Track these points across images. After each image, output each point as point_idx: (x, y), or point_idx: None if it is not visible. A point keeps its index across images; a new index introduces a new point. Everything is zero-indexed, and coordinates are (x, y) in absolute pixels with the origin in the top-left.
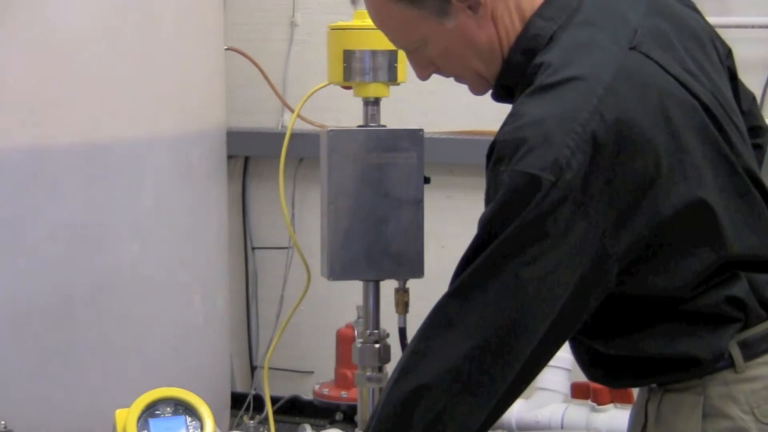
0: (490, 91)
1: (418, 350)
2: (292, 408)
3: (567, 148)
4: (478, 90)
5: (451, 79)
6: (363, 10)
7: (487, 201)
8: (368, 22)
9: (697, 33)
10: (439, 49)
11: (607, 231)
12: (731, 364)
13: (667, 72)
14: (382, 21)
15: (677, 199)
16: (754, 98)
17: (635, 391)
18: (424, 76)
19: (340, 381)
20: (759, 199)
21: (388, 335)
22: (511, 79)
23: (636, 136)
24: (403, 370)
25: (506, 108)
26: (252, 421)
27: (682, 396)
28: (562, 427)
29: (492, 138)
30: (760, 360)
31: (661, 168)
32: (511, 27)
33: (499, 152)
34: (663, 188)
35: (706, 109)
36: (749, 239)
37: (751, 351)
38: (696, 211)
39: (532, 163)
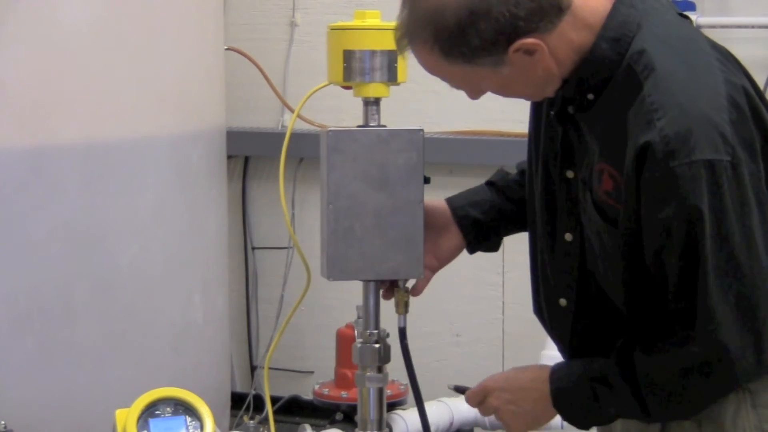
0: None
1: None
2: (292, 408)
3: (727, 123)
4: (532, 100)
5: None
6: (363, 10)
7: (657, 203)
8: (368, 22)
9: None
10: (496, 88)
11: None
12: None
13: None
14: (435, 73)
15: None
16: None
17: None
18: (475, 98)
19: (340, 381)
20: None
21: (388, 335)
22: (595, 69)
23: (753, 99)
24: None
25: (505, 108)
26: (252, 421)
27: None
28: (562, 428)
29: (492, 138)
30: None
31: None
32: (571, 48)
33: (665, 148)
34: None
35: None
36: None
37: None
38: None
39: (707, 150)
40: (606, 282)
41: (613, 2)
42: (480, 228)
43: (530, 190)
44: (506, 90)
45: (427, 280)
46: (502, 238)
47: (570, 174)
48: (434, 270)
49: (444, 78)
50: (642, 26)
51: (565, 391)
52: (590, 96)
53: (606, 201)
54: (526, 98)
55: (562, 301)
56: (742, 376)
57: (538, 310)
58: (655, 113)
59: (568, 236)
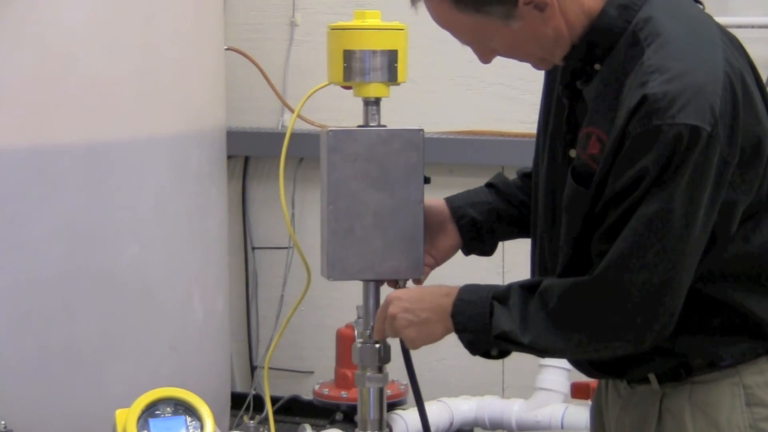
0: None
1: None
2: (292, 408)
3: (718, 96)
4: (541, 67)
5: (452, 79)
6: (363, 10)
7: (633, 155)
8: (368, 22)
9: None
10: (505, 46)
11: (741, 177)
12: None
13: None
14: (448, 25)
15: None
16: None
17: (619, 395)
18: (486, 61)
19: (340, 381)
20: None
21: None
22: (603, 34)
23: (750, 88)
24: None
25: (505, 108)
26: (252, 421)
27: (718, 386)
28: (562, 427)
29: (492, 138)
30: None
31: (760, 117)
32: (581, 10)
33: (654, 105)
34: (762, 136)
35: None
36: None
37: None
38: None
39: (692, 115)
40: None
41: None
42: (478, 229)
43: (536, 175)
44: (515, 49)
45: (425, 277)
46: (497, 242)
47: (573, 153)
48: (431, 267)
49: (454, 31)
50: None
51: (465, 303)
52: (597, 66)
53: (589, 165)
54: (535, 63)
55: None
56: (630, 330)
57: None
58: (651, 75)
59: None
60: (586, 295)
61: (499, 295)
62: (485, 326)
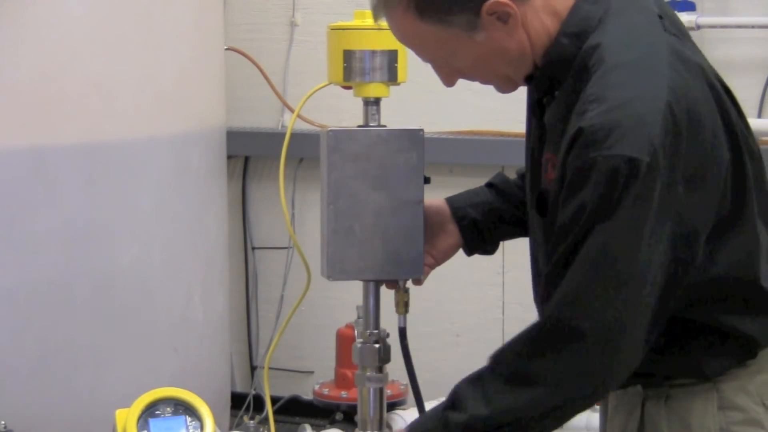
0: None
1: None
2: (292, 408)
3: (657, 127)
4: (505, 90)
5: None
6: (363, 10)
7: (573, 186)
8: (368, 22)
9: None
10: (468, 61)
11: (692, 206)
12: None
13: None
14: (410, 40)
15: (723, 174)
16: None
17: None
18: (450, 83)
19: (340, 381)
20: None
21: (388, 335)
22: (556, 63)
23: (699, 111)
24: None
25: (505, 108)
26: (252, 421)
27: (693, 391)
28: (562, 427)
29: (492, 138)
30: (766, 351)
31: (714, 143)
32: (542, 27)
33: (591, 137)
34: (717, 162)
35: (725, 89)
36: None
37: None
38: (731, 190)
39: (629, 146)
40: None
41: None
42: (479, 229)
43: (526, 179)
44: (479, 65)
45: (425, 277)
46: (499, 241)
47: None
48: (431, 267)
49: (417, 45)
50: (603, 22)
51: (417, 427)
52: (557, 93)
53: (549, 191)
54: (499, 83)
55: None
56: (589, 377)
57: (536, 298)
58: (590, 104)
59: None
60: (538, 346)
61: (448, 403)
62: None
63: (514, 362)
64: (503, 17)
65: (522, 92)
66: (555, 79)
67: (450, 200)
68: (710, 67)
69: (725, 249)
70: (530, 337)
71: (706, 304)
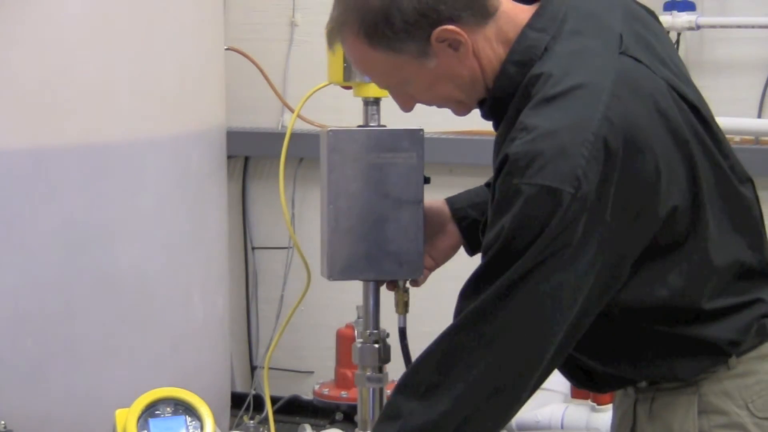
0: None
1: (432, 383)
2: (292, 408)
3: (583, 158)
4: (460, 113)
5: None
6: None
7: (497, 212)
8: None
9: (665, 35)
10: (422, 87)
11: (621, 233)
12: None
13: (655, 74)
14: (362, 66)
15: (671, 202)
16: None
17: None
18: (408, 108)
19: (340, 381)
20: (748, 198)
21: (388, 335)
22: (504, 91)
23: (640, 140)
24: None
25: None
26: (252, 421)
27: (676, 394)
28: (562, 427)
29: (492, 138)
30: (750, 355)
31: (660, 171)
32: (494, 55)
33: (514, 164)
34: (661, 191)
35: (694, 108)
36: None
37: (741, 347)
38: (684, 215)
39: (550, 176)
40: None
41: (524, 25)
42: (480, 229)
43: None
44: (433, 90)
45: (424, 279)
46: None
47: None
48: (431, 269)
49: (370, 71)
50: (550, 49)
51: None
52: (503, 120)
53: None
54: (454, 107)
55: None
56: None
57: None
58: (519, 132)
59: None
60: (440, 363)
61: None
62: None
63: (420, 378)
64: (454, 45)
65: None
66: (502, 106)
67: (450, 201)
68: (678, 83)
69: (673, 269)
70: (432, 352)
71: (663, 320)
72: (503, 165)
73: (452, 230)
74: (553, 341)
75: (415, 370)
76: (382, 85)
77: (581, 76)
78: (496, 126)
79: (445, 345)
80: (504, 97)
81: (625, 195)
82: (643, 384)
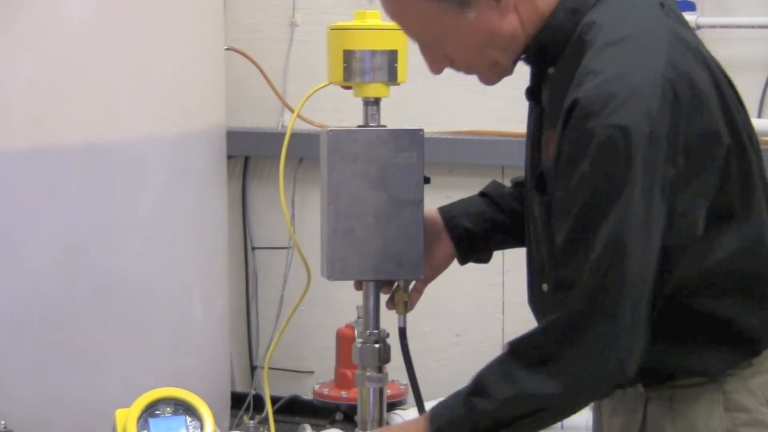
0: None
1: (552, 355)
2: (292, 408)
3: (655, 98)
4: (490, 79)
5: (451, 79)
6: (363, 10)
7: (572, 161)
8: (368, 22)
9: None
10: (458, 43)
11: (688, 183)
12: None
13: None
14: (400, 14)
15: (724, 164)
16: None
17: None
18: (438, 69)
19: (340, 381)
20: None
21: (388, 335)
22: (552, 37)
23: (700, 91)
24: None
25: (505, 108)
26: (252, 421)
27: (698, 392)
28: (562, 428)
29: (492, 138)
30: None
31: (718, 131)
32: (535, 11)
33: (587, 107)
34: (718, 152)
35: (727, 79)
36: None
37: (763, 343)
38: (735, 183)
39: (626, 116)
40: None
41: None
42: (471, 238)
43: (526, 172)
44: (469, 48)
45: (420, 292)
46: (492, 251)
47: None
48: (427, 280)
49: (408, 21)
50: (601, 1)
51: (439, 417)
52: (550, 70)
53: (551, 169)
54: (485, 69)
55: (545, 286)
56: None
57: (530, 300)
58: (586, 76)
59: (543, 224)
60: (567, 330)
61: (472, 389)
62: (469, 427)
63: (541, 347)
64: None
65: (522, 93)
66: (550, 56)
67: (443, 210)
68: (712, 57)
69: (727, 237)
70: (557, 323)
71: (706, 294)
72: (572, 110)
73: (446, 239)
74: (649, 287)
75: (535, 339)
76: (416, 37)
77: (638, 25)
78: (534, 78)
79: (566, 318)
80: (551, 44)
81: (691, 141)
82: (660, 379)
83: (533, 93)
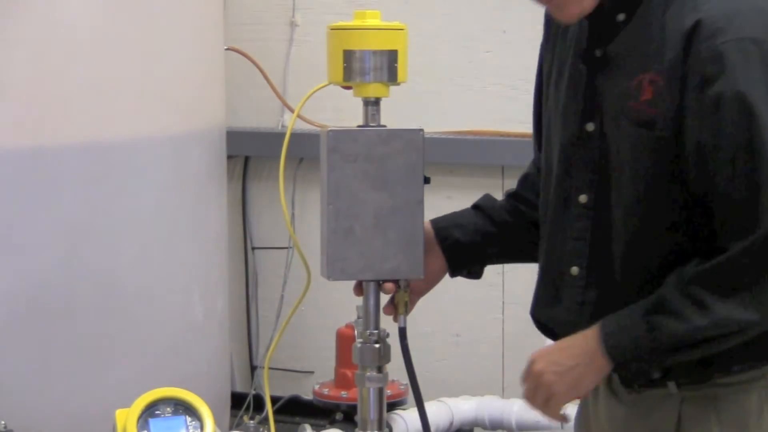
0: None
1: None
2: (292, 408)
3: None
4: (570, 10)
5: (451, 79)
6: (363, 10)
7: (704, 85)
8: (368, 22)
9: None
10: None
11: None
12: None
13: None
14: None
15: None
16: None
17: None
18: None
19: (340, 381)
20: None
21: (388, 335)
22: None
23: None
24: None
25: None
26: (252, 421)
27: (746, 390)
28: (562, 427)
29: (492, 138)
30: None
31: None
32: None
33: (713, 26)
34: None
35: None
36: None
37: None
38: None
39: (756, 29)
40: (628, 229)
41: None
42: (461, 250)
43: (547, 165)
44: None
45: (413, 304)
46: (483, 265)
47: (590, 127)
48: (421, 293)
49: None
50: None
51: (615, 334)
52: (620, 16)
53: (645, 112)
54: (561, 9)
55: (574, 270)
56: None
57: (541, 301)
58: (699, 1)
59: (583, 198)
60: (759, 261)
61: (651, 308)
62: (649, 345)
63: (730, 276)
64: None
65: (522, 93)
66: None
67: (434, 221)
68: None
69: None
70: (747, 251)
71: None
72: (694, 33)
73: (438, 252)
74: None
75: (722, 268)
76: None
77: None
78: (592, 36)
79: (759, 245)
80: None
81: None
82: (700, 377)
83: (587, 57)
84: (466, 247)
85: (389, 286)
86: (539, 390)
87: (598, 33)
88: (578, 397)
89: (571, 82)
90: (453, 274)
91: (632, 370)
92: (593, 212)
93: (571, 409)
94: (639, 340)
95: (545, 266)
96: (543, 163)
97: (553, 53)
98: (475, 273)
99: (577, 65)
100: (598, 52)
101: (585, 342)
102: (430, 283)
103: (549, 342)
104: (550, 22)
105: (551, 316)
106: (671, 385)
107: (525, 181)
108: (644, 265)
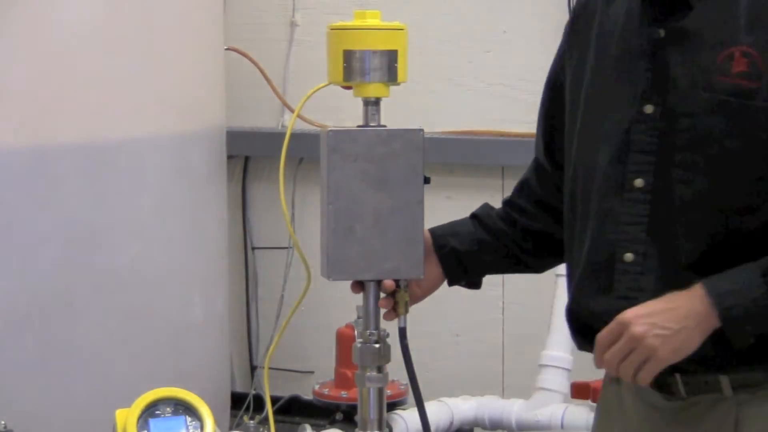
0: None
1: None
2: (292, 408)
3: None
4: None
5: (451, 79)
6: (363, 10)
7: None
8: (368, 22)
9: None
10: None
11: None
12: None
13: None
14: None
15: None
16: None
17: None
18: None
19: (340, 381)
20: None
21: (388, 335)
22: None
23: None
24: None
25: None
26: (252, 421)
27: None
28: (562, 427)
29: (492, 138)
30: None
31: None
32: None
33: None
34: None
35: None
36: None
37: None
38: None
39: None
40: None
41: None
42: (458, 258)
43: (581, 149)
44: None
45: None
46: (482, 275)
47: (649, 109)
48: (417, 300)
49: None
50: None
51: (729, 294)
52: None
53: (740, 86)
54: None
55: (628, 256)
56: None
57: (583, 293)
58: None
59: (639, 182)
60: None
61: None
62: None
63: None
64: None
65: (522, 93)
66: None
67: (432, 230)
68: None
69: None
70: None
71: None
72: None
73: (435, 261)
74: None
75: None
76: None
77: None
78: (662, 17)
79: None
80: None
81: None
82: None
83: (652, 38)
84: (462, 256)
85: (389, 283)
86: (637, 353)
87: (664, 11)
88: (676, 362)
89: (621, 65)
90: (451, 283)
91: (746, 333)
92: (651, 195)
93: (586, 416)
94: (759, 301)
95: (589, 257)
96: (573, 160)
97: (586, 45)
98: (473, 283)
99: (630, 46)
100: (661, 32)
101: (690, 303)
102: (426, 290)
103: (549, 342)
104: (575, 19)
105: (601, 305)
106: (726, 389)
107: (521, 188)
108: (712, 246)
